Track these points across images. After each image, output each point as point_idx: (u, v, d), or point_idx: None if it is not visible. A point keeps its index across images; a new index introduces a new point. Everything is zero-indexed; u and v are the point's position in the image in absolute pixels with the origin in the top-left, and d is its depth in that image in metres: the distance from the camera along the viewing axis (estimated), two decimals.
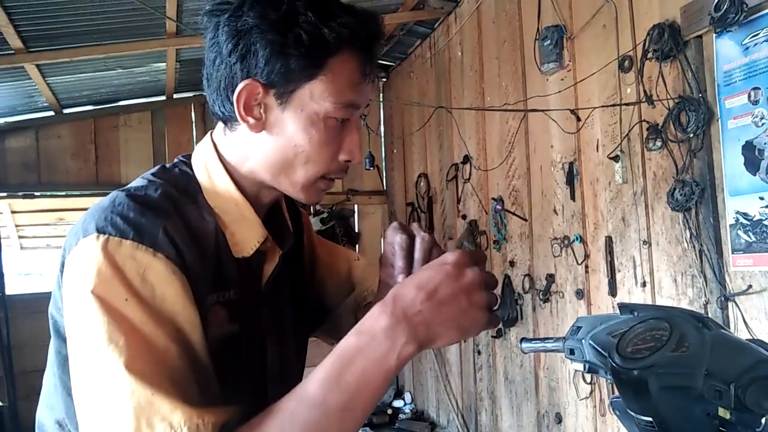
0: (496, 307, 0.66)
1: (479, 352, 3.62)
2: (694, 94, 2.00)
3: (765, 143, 1.79)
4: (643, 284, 2.25)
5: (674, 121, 2.06)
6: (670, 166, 2.11)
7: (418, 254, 0.79)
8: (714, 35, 1.92)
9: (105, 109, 4.50)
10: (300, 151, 0.76)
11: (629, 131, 2.29)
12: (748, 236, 1.84)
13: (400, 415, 4.61)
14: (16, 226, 5.48)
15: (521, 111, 2.98)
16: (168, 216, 0.71)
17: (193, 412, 0.62)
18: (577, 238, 2.63)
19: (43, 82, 3.68)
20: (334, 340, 1.02)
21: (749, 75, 1.82)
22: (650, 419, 0.67)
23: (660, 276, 2.19)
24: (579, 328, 0.76)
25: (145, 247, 0.67)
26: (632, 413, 0.71)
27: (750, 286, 1.84)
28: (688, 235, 2.03)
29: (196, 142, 4.94)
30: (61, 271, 0.71)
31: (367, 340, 0.61)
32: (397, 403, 4.78)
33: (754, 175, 1.82)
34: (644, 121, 2.22)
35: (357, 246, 5.04)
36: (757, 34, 1.80)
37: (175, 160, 0.84)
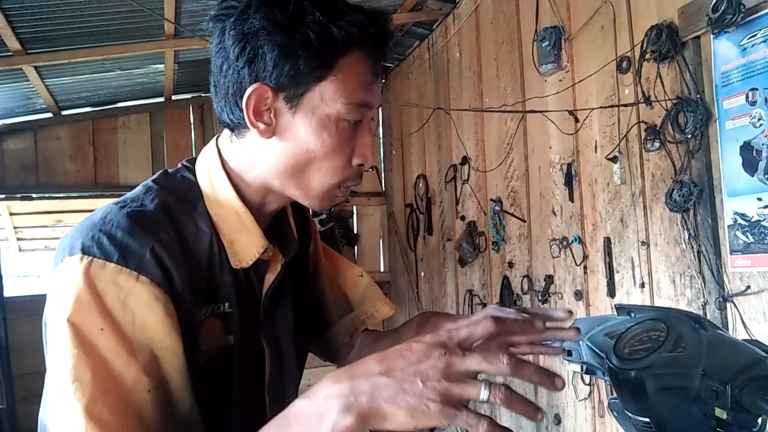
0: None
1: None
2: (692, 94, 2.00)
3: (763, 144, 1.79)
4: (642, 285, 2.25)
5: (672, 122, 2.06)
6: (669, 167, 2.11)
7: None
8: (712, 36, 1.92)
9: (103, 111, 4.49)
10: (313, 156, 0.74)
11: (627, 132, 2.29)
12: (747, 237, 1.84)
13: None
14: (15, 228, 5.48)
15: (519, 112, 2.98)
16: (160, 231, 0.70)
17: None
18: (575, 239, 2.63)
19: (41, 84, 3.67)
20: (328, 358, 1.02)
21: (747, 76, 1.83)
22: (647, 420, 0.67)
23: (658, 277, 2.19)
24: (577, 329, 0.76)
25: (129, 270, 0.66)
26: (630, 414, 0.71)
27: (748, 287, 1.84)
28: (687, 236, 2.03)
29: (195, 144, 4.96)
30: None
31: (308, 404, 0.55)
32: None
33: (752, 175, 1.82)
34: (642, 122, 2.22)
35: (356, 247, 5.04)
36: (755, 35, 1.80)
37: (179, 165, 0.83)
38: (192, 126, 4.67)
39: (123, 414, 0.62)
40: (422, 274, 4.42)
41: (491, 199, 3.32)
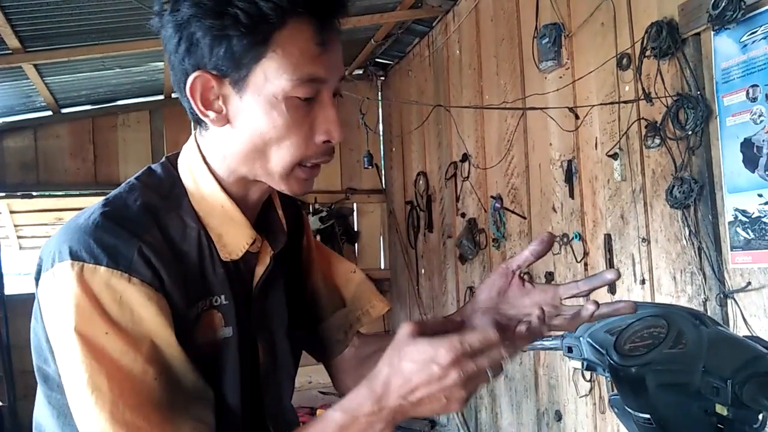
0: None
1: None
2: (692, 91, 2.00)
3: (763, 140, 1.79)
4: (642, 282, 2.25)
5: (673, 119, 2.06)
6: (669, 164, 2.11)
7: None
8: (712, 33, 1.92)
9: (103, 109, 4.48)
10: (268, 138, 0.72)
11: (628, 129, 2.29)
12: (747, 233, 1.84)
13: None
14: (15, 226, 5.48)
15: (520, 109, 2.98)
16: (145, 232, 0.71)
17: None
18: (576, 236, 2.63)
19: (40, 82, 3.67)
20: (319, 356, 1.00)
21: (747, 72, 1.82)
22: (648, 416, 0.67)
23: (659, 273, 2.20)
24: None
25: (120, 272, 0.67)
26: (630, 410, 0.71)
27: (749, 283, 1.84)
28: (687, 233, 2.03)
29: None
30: (37, 280, 0.71)
31: (350, 421, 0.63)
32: None
33: (753, 172, 1.82)
34: (643, 118, 2.22)
35: (356, 245, 5.04)
36: (755, 32, 1.80)
37: (162, 160, 0.83)
38: (192, 124, 4.66)
39: (141, 407, 0.66)
40: (423, 271, 4.42)
41: (491, 196, 3.32)
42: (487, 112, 3.33)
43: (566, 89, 2.64)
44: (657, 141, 2.15)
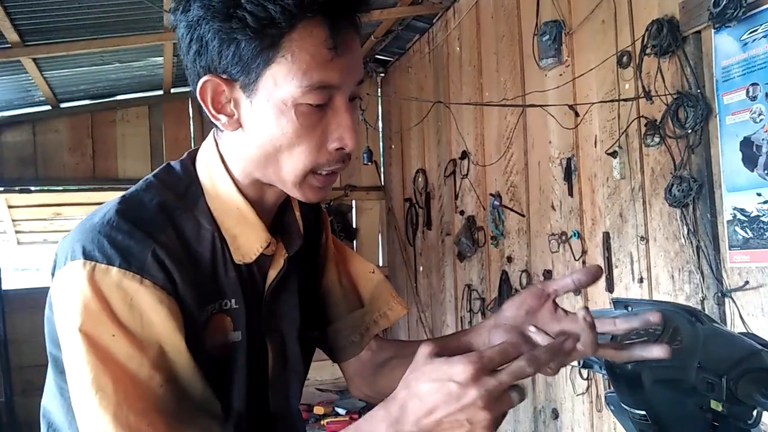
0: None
1: None
2: (692, 89, 1.99)
3: (763, 139, 1.78)
4: (641, 280, 2.25)
5: (672, 117, 2.05)
6: (668, 162, 2.10)
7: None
8: (713, 31, 1.91)
9: (102, 104, 4.48)
10: (278, 144, 0.70)
11: (627, 127, 2.28)
12: (746, 232, 1.84)
13: None
14: (13, 221, 5.47)
15: (519, 106, 2.98)
16: (160, 232, 0.70)
17: None
18: (574, 234, 2.63)
19: (39, 76, 3.66)
20: (331, 356, 0.98)
21: (748, 71, 1.82)
22: (644, 413, 0.67)
23: (657, 272, 2.19)
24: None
25: (132, 273, 0.66)
26: (626, 407, 0.71)
27: (747, 282, 1.84)
28: (686, 231, 2.03)
29: (194, 137, 4.95)
30: (52, 276, 0.71)
31: None
32: None
33: (752, 171, 1.82)
34: (642, 116, 2.22)
35: (354, 242, 5.03)
36: (756, 30, 1.79)
37: (182, 157, 0.82)
38: (191, 119, 4.65)
39: (146, 412, 0.64)
40: (421, 268, 4.42)
41: (490, 194, 3.32)
42: (487, 109, 3.33)
43: (566, 87, 2.64)
44: (656, 139, 2.14)
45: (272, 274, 0.81)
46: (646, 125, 2.19)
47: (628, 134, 2.29)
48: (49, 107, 4.30)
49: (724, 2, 1.79)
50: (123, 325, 0.65)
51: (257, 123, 0.70)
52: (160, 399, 0.66)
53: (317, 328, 0.96)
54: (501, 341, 0.70)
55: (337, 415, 4.09)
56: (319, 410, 4.08)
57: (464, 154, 3.61)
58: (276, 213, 0.84)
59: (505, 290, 3.16)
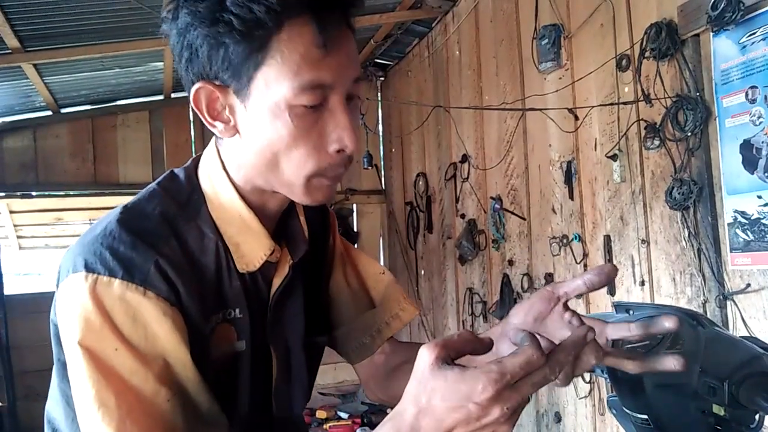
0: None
1: None
2: (691, 92, 2.00)
3: (763, 142, 1.79)
4: (642, 283, 2.25)
5: (672, 120, 2.06)
6: (668, 165, 2.11)
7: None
8: (711, 34, 1.92)
9: (103, 109, 4.48)
10: (276, 148, 0.68)
11: (627, 130, 2.29)
12: (747, 235, 1.84)
13: None
14: (15, 226, 5.47)
15: (519, 110, 2.98)
16: (163, 243, 0.69)
17: None
18: (575, 237, 2.63)
19: (40, 82, 3.67)
20: (345, 358, 0.97)
21: (746, 74, 1.82)
22: (646, 417, 0.67)
23: (658, 275, 2.19)
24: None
25: (135, 285, 0.65)
26: (628, 411, 0.71)
27: (748, 285, 1.84)
28: (687, 234, 2.03)
29: (194, 142, 4.95)
30: (57, 287, 0.70)
31: None
32: None
33: (752, 173, 1.82)
34: (642, 119, 2.22)
35: (356, 245, 5.02)
36: (754, 33, 1.80)
37: (186, 164, 0.81)
38: (191, 124, 4.66)
39: (150, 428, 0.63)
40: (422, 272, 4.42)
41: (491, 197, 3.32)
42: (487, 113, 3.34)
43: (566, 90, 2.64)
44: (656, 142, 2.15)
45: (277, 281, 0.80)
46: (645, 128, 2.19)
47: (628, 137, 2.30)
48: (49, 112, 4.30)
49: (723, 5, 1.80)
50: (126, 339, 0.64)
51: (253, 128, 0.69)
52: (165, 414, 0.64)
53: (324, 333, 0.94)
54: (507, 352, 0.68)
55: (340, 419, 4.09)
56: (321, 414, 4.07)
57: (464, 158, 3.61)
58: (280, 219, 0.82)
59: (507, 293, 3.15)
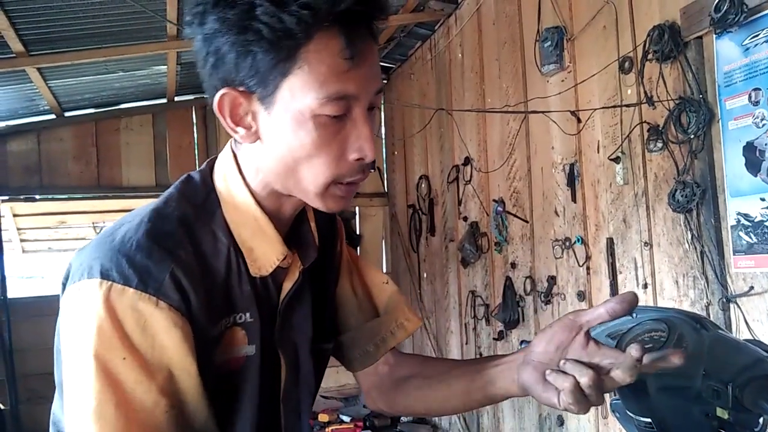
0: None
1: (481, 355, 3.61)
2: (694, 95, 1.99)
3: (766, 144, 1.78)
4: (645, 286, 2.24)
5: (675, 123, 2.05)
6: (671, 168, 2.10)
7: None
8: (714, 36, 1.91)
9: (106, 112, 4.50)
10: (298, 156, 0.70)
11: (630, 132, 2.28)
12: (750, 237, 1.83)
13: (402, 418, 4.60)
14: (18, 229, 5.49)
15: (522, 113, 2.98)
16: (179, 248, 0.70)
17: None
18: (578, 240, 2.63)
19: (44, 86, 3.68)
20: (346, 366, 0.97)
21: (750, 76, 1.82)
22: (649, 420, 0.67)
23: (661, 277, 2.19)
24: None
25: (148, 296, 0.66)
26: (632, 414, 0.71)
27: (752, 288, 1.83)
28: (690, 237, 2.02)
29: (198, 146, 4.96)
30: (64, 286, 0.70)
31: None
32: None
33: (755, 176, 1.81)
34: (645, 122, 2.22)
35: (358, 248, 5.03)
36: (758, 35, 1.79)
37: (202, 167, 0.81)
38: (195, 127, 4.68)
39: None
40: (425, 275, 4.42)
41: (494, 200, 3.32)
42: (489, 115, 3.34)
43: (568, 93, 2.64)
44: (659, 145, 2.14)
45: (287, 286, 0.80)
46: (648, 131, 2.19)
47: (631, 140, 2.29)
48: (53, 116, 4.32)
49: (726, 7, 1.79)
50: (134, 348, 0.65)
51: (276, 135, 0.70)
52: (162, 426, 0.65)
53: (331, 340, 0.95)
54: (529, 381, 0.71)
55: (342, 422, 4.08)
56: (323, 417, 4.07)
57: (467, 161, 3.61)
58: (291, 224, 0.83)
59: (509, 296, 3.15)
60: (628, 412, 0.71)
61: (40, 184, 4.36)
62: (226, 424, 0.75)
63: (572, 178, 2.65)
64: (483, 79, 3.43)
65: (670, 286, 2.15)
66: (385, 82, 4.94)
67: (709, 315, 1.96)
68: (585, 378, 0.65)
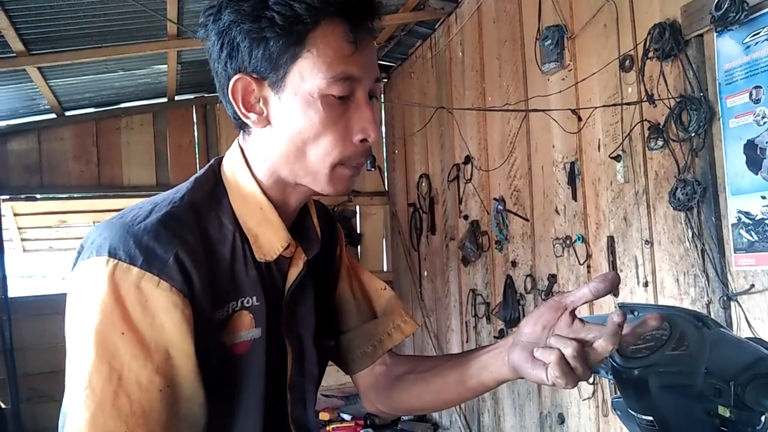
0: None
1: None
2: (695, 93, 1.99)
3: (767, 142, 1.78)
4: (646, 284, 2.24)
5: (675, 121, 2.05)
6: (672, 166, 2.10)
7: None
8: (715, 34, 1.91)
9: (107, 111, 4.50)
10: (306, 136, 0.75)
11: (630, 131, 2.28)
12: (750, 235, 1.83)
13: (402, 416, 4.61)
14: (19, 228, 5.50)
15: (522, 111, 2.98)
16: (186, 232, 0.73)
17: None
18: (579, 238, 2.63)
19: (44, 85, 3.68)
20: (344, 368, 1.00)
21: (750, 74, 1.82)
22: (651, 418, 0.67)
23: (662, 276, 2.19)
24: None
25: (151, 275, 0.68)
26: (633, 413, 0.71)
27: (752, 286, 1.83)
28: (690, 235, 2.02)
29: (198, 144, 4.97)
30: (75, 263, 0.72)
31: None
32: None
33: (756, 174, 1.81)
34: (645, 120, 2.22)
35: (359, 247, 5.04)
36: (759, 33, 1.79)
37: (212, 161, 0.86)
38: (195, 126, 4.67)
39: (130, 415, 0.65)
40: (425, 273, 4.42)
41: (494, 199, 3.32)
42: (490, 114, 3.34)
43: (569, 91, 2.64)
44: (660, 143, 2.14)
45: (292, 275, 0.83)
46: (649, 129, 2.19)
47: (632, 138, 2.29)
48: (54, 115, 4.32)
49: (726, 5, 1.79)
50: (134, 325, 0.67)
51: (285, 117, 0.75)
52: (152, 404, 0.67)
53: (332, 337, 0.97)
54: (518, 361, 0.74)
55: (343, 420, 4.09)
56: (324, 416, 4.08)
57: (468, 159, 3.61)
58: (295, 219, 0.86)
59: (510, 294, 3.15)
60: (629, 411, 0.71)
61: (41, 184, 4.36)
62: (233, 410, 0.77)
63: (573, 177, 2.65)
64: (483, 78, 3.43)
65: (671, 284, 2.15)
66: (385, 80, 4.94)
67: (709, 313, 1.96)
68: (569, 349, 0.69)
